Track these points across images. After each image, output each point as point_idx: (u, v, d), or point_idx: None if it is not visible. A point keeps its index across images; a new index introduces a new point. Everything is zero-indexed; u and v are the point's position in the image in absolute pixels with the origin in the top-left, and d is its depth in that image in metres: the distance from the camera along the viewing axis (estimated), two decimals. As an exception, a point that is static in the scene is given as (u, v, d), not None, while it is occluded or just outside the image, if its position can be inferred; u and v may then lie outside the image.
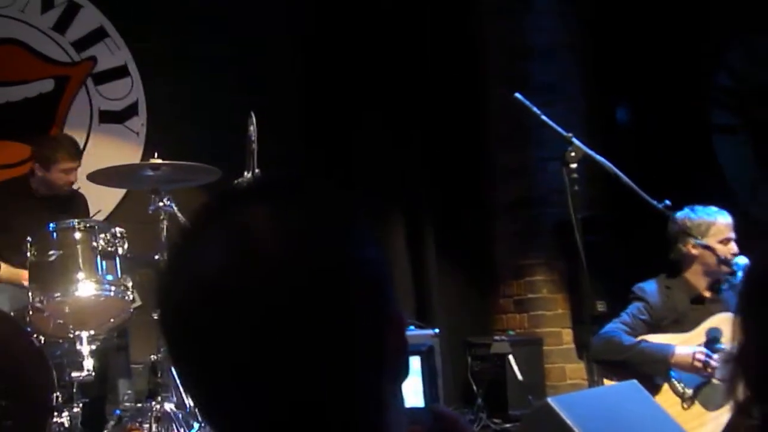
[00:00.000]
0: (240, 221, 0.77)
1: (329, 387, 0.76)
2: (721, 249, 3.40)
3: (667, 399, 3.27)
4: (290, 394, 0.75)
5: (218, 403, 0.78)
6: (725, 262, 3.39)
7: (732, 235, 3.44)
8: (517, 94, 3.24)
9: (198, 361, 0.78)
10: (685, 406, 3.29)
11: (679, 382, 3.32)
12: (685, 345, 3.31)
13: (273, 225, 0.77)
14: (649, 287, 3.52)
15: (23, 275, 3.65)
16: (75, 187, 4.38)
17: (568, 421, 2.16)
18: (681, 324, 3.43)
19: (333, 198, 0.81)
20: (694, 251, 3.45)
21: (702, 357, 3.26)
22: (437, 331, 4.77)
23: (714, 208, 3.49)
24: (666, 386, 3.32)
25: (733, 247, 3.43)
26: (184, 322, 0.78)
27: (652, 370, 3.28)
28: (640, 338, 3.35)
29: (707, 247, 3.39)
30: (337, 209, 0.81)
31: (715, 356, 3.27)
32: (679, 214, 3.48)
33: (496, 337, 5.19)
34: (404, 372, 0.82)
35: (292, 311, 0.74)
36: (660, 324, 3.45)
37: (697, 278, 3.48)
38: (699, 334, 3.36)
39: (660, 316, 3.46)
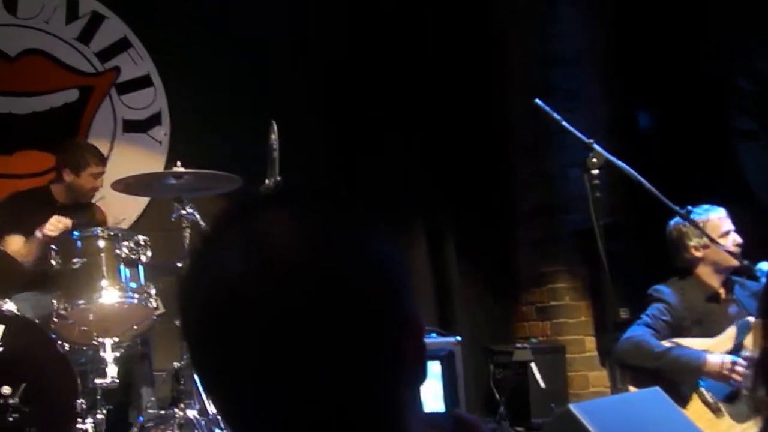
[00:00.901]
0: (259, 227, 0.78)
1: (348, 392, 0.76)
2: (723, 241, 3.41)
3: (696, 409, 3.22)
4: (309, 399, 0.75)
5: (238, 408, 0.79)
6: (732, 254, 3.40)
7: (729, 227, 3.45)
8: (538, 100, 3.24)
9: (219, 367, 0.79)
10: (714, 417, 3.24)
11: (707, 392, 3.27)
12: (715, 352, 3.28)
13: (291, 231, 0.77)
14: (665, 288, 3.53)
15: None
16: (98, 197, 4.43)
17: (590, 428, 2.14)
18: (703, 324, 3.42)
19: (351, 205, 0.82)
20: (697, 253, 3.48)
21: (731, 365, 3.22)
22: (459, 338, 4.76)
23: (704, 207, 3.50)
24: (695, 396, 3.28)
25: (735, 238, 3.43)
26: (205, 328, 0.79)
27: (683, 379, 3.25)
28: (670, 343, 3.32)
29: (708, 246, 3.42)
30: (355, 216, 0.82)
31: (744, 363, 3.23)
32: (672, 222, 3.51)
33: (518, 345, 5.16)
34: (422, 376, 0.82)
35: (311, 317, 0.75)
36: (682, 325, 3.43)
37: (709, 277, 3.49)
38: (728, 338, 3.32)
39: (681, 316, 3.44)
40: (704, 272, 3.49)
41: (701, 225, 3.42)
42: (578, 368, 5.27)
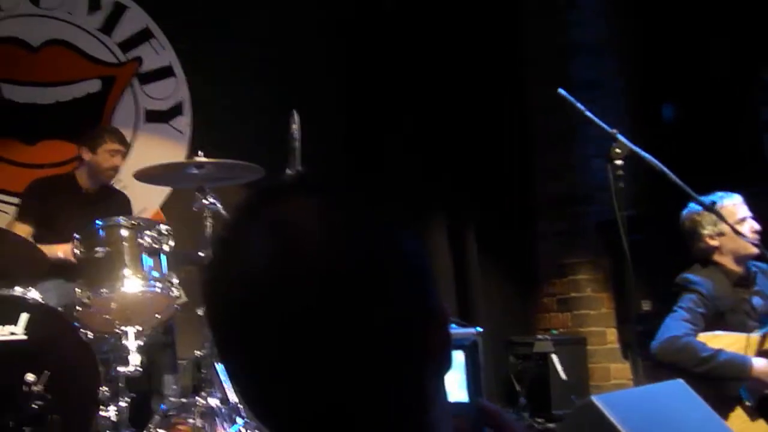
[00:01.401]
0: (284, 217, 0.78)
1: (374, 381, 0.76)
2: (740, 228, 3.32)
3: (738, 414, 3.16)
4: (334, 390, 0.75)
5: (263, 397, 0.79)
6: (750, 240, 3.32)
7: (745, 213, 3.38)
8: (561, 90, 3.21)
9: (243, 355, 0.78)
10: (750, 420, 3.17)
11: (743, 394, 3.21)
12: (762, 360, 3.16)
13: (316, 221, 0.77)
14: (695, 277, 3.42)
15: (62, 249, 3.77)
16: (120, 187, 4.46)
17: (613, 420, 2.13)
18: (736, 313, 3.32)
19: (374, 195, 0.82)
20: (712, 242, 3.41)
21: None
22: (480, 329, 4.75)
23: (719, 194, 3.42)
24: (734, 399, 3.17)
25: (753, 224, 3.36)
26: (229, 316, 0.79)
27: (727, 387, 3.14)
28: (717, 348, 3.19)
29: (724, 234, 3.35)
30: (380, 207, 0.81)
31: None
32: (685, 212, 3.44)
33: (539, 336, 5.16)
34: (447, 366, 0.82)
35: (336, 306, 0.74)
36: (716, 314, 3.32)
37: (730, 264, 3.41)
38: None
39: (714, 305, 3.33)
40: (723, 260, 3.41)
41: (717, 212, 3.34)
42: (599, 360, 5.25)
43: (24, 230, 4.10)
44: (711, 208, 3.24)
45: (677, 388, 2.46)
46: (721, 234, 3.37)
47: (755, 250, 3.34)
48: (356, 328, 0.75)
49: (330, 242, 0.76)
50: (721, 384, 3.10)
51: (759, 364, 3.12)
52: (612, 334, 5.28)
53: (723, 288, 3.37)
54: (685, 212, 3.46)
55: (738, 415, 3.13)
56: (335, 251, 0.76)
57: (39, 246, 3.81)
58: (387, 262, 0.77)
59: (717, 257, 3.42)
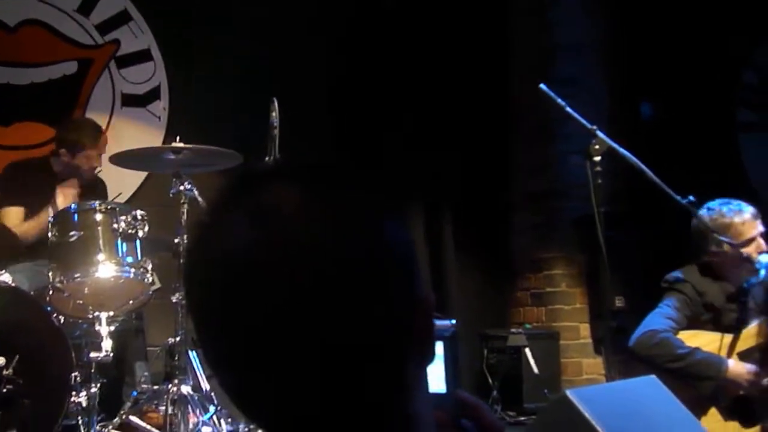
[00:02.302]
0: (267, 202, 0.76)
1: (357, 371, 0.75)
2: (745, 249, 3.25)
3: (712, 413, 3.16)
4: (316, 379, 0.74)
5: (242, 385, 0.77)
6: (747, 259, 3.24)
7: (754, 232, 3.28)
8: (542, 86, 3.21)
9: (223, 341, 0.77)
10: (723, 420, 3.16)
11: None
12: (737, 362, 3.15)
13: (303, 204, 0.76)
14: (688, 278, 3.35)
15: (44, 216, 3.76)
16: (97, 170, 4.41)
17: (587, 414, 2.13)
18: (718, 322, 3.28)
19: (362, 180, 0.81)
20: (717, 250, 3.31)
21: (751, 376, 3.10)
22: (455, 322, 4.76)
23: (734, 205, 3.34)
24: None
25: (760, 245, 3.26)
26: (209, 301, 0.77)
27: (699, 386, 3.12)
28: (693, 346, 3.17)
29: (731, 246, 3.25)
30: (366, 191, 0.80)
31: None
32: (700, 213, 3.33)
33: (513, 330, 5.18)
34: (431, 356, 0.81)
35: (322, 291, 0.73)
36: (699, 319, 3.29)
37: (729, 278, 3.32)
38: (748, 336, 3.19)
39: (699, 310, 3.30)
40: (724, 269, 3.33)
41: (724, 225, 3.28)
42: (572, 355, 5.28)
43: (17, 213, 4.03)
44: (688, 208, 3.23)
45: (650, 384, 2.47)
46: (723, 251, 3.27)
47: (749, 268, 3.23)
48: (341, 317, 0.73)
49: (315, 229, 0.74)
50: (695, 383, 3.11)
51: (734, 365, 3.14)
52: (585, 329, 5.32)
53: (715, 297, 3.32)
54: (700, 212, 3.33)
55: (712, 415, 3.15)
56: (321, 239, 0.74)
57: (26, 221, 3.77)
58: (374, 250, 0.76)
59: (718, 266, 3.34)
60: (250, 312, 0.74)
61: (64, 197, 3.92)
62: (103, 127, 4.77)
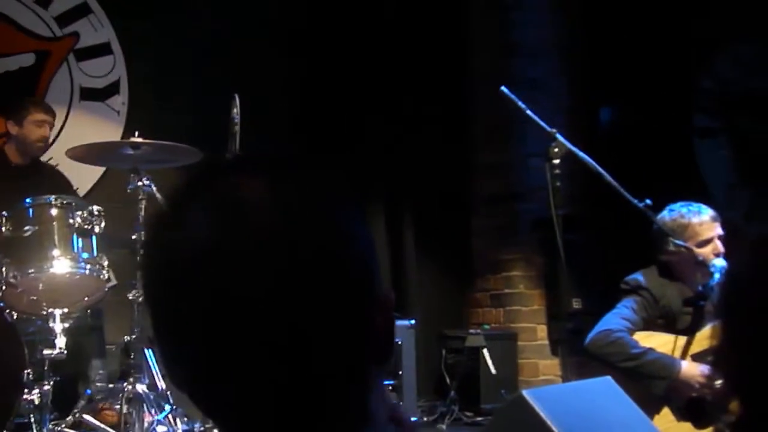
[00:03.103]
0: (231, 192, 0.76)
1: (315, 367, 0.74)
2: (699, 251, 3.27)
3: (664, 413, 3.19)
4: (274, 373, 0.74)
5: (199, 378, 0.77)
6: (702, 263, 3.25)
7: (711, 234, 3.29)
8: (503, 88, 3.23)
9: (179, 333, 0.76)
10: (676, 420, 3.18)
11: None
12: (690, 363, 3.16)
13: (266, 196, 0.75)
14: (647, 281, 3.35)
15: None
16: (53, 164, 4.34)
17: (542, 414, 2.15)
18: (673, 325, 3.29)
19: (323, 174, 0.80)
20: (671, 257, 3.32)
21: (703, 379, 3.11)
22: (413, 322, 4.77)
23: (694, 207, 3.36)
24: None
25: (716, 246, 3.27)
26: (168, 294, 0.76)
27: (652, 386, 3.12)
28: (647, 346, 3.18)
29: (686, 248, 3.26)
30: (328, 186, 0.80)
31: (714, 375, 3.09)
32: (660, 215, 3.35)
33: (472, 331, 5.20)
34: (389, 354, 0.81)
35: (281, 284, 0.73)
36: (655, 322, 3.29)
37: (686, 279, 3.33)
38: (702, 338, 3.20)
39: (656, 314, 3.30)
40: (682, 272, 3.33)
41: (682, 227, 3.29)
42: (529, 356, 5.32)
43: None
44: (645, 211, 3.26)
45: (606, 385, 2.50)
46: (685, 248, 3.26)
47: (704, 272, 3.23)
48: (297, 310, 0.73)
49: (279, 220, 0.74)
50: (648, 382, 3.14)
51: (686, 366, 3.17)
52: (542, 330, 5.37)
53: (672, 301, 3.33)
54: (660, 215, 3.34)
55: (664, 415, 3.18)
56: (284, 229, 0.74)
57: None
58: (337, 244, 0.76)
59: (676, 268, 3.35)
60: (207, 304, 0.73)
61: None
62: (61, 121, 4.70)
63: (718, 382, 3.09)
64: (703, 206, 3.39)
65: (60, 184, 4.20)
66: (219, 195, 0.76)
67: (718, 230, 3.33)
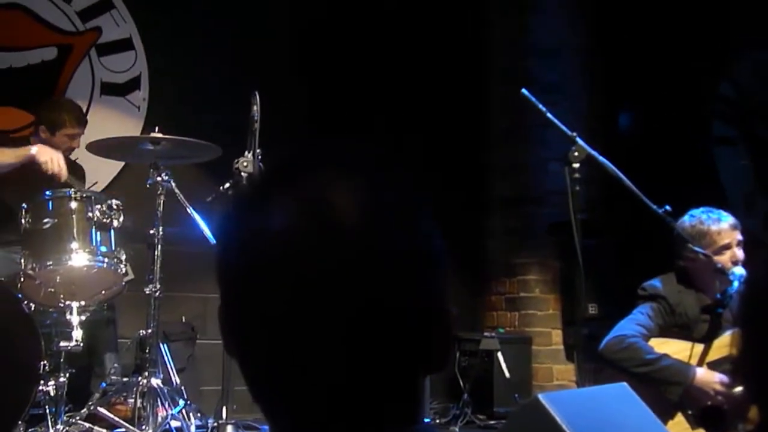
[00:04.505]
0: (318, 189, 0.76)
1: (376, 364, 0.75)
2: (717, 258, 3.24)
3: (678, 421, 3.18)
4: (340, 365, 0.74)
5: (263, 363, 0.77)
6: (720, 271, 3.22)
7: (729, 241, 3.27)
8: (524, 90, 3.22)
9: (249, 326, 0.77)
10: (691, 428, 3.15)
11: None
12: (706, 371, 3.15)
13: (352, 199, 0.76)
14: (664, 287, 3.32)
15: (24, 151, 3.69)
16: (73, 158, 4.36)
17: (558, 418, 2.14)
18: (690, 332, 3.26)
19: (406, 180, 0.81)
20: (689, 263, 3.30)
21: (719, 385, 3.10)
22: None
23: (714, 214, 3.33)
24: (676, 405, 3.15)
25: (736, 253, 3.25)
26: (248, 282, 0.76)
27: (667, 391, 3.11)
28: (661, 352, 3.16)
29: (705, 255, 3.23)
30: (411, 193, 0.81)
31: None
32: (680, 220, 3.33)
33: (486, 334, 5.19)
34: (443, 364, 0.81)
35: (357, 282, 0.73)
36: (671, 329, 3.27)
37: (704, 286, 3.30)
38: (720, 346, 3.18)
39: (672, 321, 3.28)
40: (700, 279, 3.31)
41: (701, 233, 3.27)
42: (544, 360, 5.30)
43: None
44: (663, 217, 3.24)
45: (621, 391, 2.49)
46: (704, 255, 3.24)
47: (723, 279, 3.21)
48: (371, 312, 0.74)
49: (362, 223, 0.75)
50: (662, 388, 3.12)
51: (701, 373, 3.15)
52: (557, 335, 5.35)
53: (687, 308, 3.30)
54: (681, 220, 3.32)
55: (678, 422, 3.16)
56: (366, 233, 0.74)
57: None
58: (414, 246, 0.77)
59: (695, 275, 3.33)
60: (281, 299, 0.74)
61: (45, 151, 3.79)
62: (81, 115, 4.72)
63: (736, 390, 3.07)
64: (724, 213, 3.37)
65: (79, 179, 4.22)
66: (304, 192, 0.76)
67: (738, 237, 3.30)
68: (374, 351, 0.74)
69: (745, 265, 3.24)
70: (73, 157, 4.37)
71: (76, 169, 4.29)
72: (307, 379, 0.75)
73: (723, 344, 3.19)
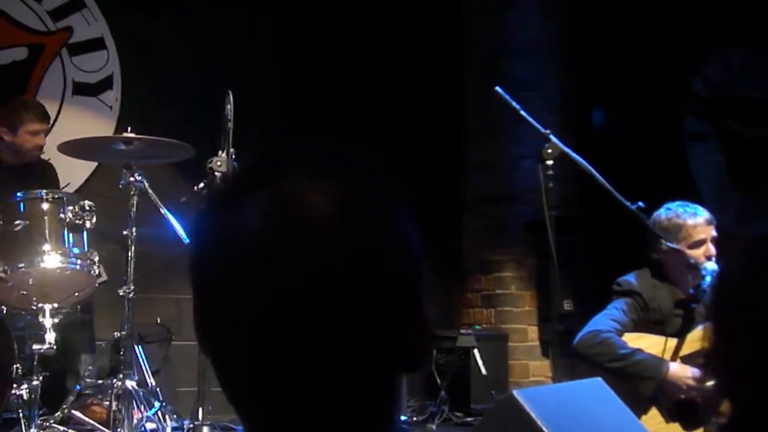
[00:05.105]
0: (290, 189, 0.76)
1: (352, 378, 0.75)
2: (691, 252, 3.26)
3: (652, 415, 3.19)
4: (309, 372, 0.74)
5: (241, 363, 0.76)
6: (693, 266, 3.24)
7: (704, 236, 3.28)
8: (498, 88, 3.23)
9: (232, 337, 0.76)
10: (665, 422, 3.18)
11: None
12: (679, 365, 3.17)
13: (327, 199, 0.75)
14: (638, 282, 3.35)
15: None
16: (45, 158, 4.32)
17: (533, 415, 2.16)
18: (664, 326, 3.29)
19: (384, 179, 0.80)
20: (662, 256, 3.32)
21: (691, 380, 3.12)
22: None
23: (691, 208, 3.35)
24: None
25: (709, 248, 3.27)
26: (223, 284, 0.76)
27: (640, 386, 3.13)
28: (635, 347, 3.18)
29: (677, 251, 3.25)
30: (389, 192, 0.80)
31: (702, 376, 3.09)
32: (657, 213, 3.35)
33: (462, 331, 5.20)
34: (419, 364, 0.80)
35: (333, 283, 0.73)
36: (645, 324, 3.29)
37: (677, 280, 3.32)
38: (693, 340, 3.20)
39: (646, 317, 3.29)
40: (673, 274, 3.33)
41: (675, 227, 3.29)
42: (520, 357, 5.33)
43: None
44: (636, 213, 3.26)
45: (595, 386, 2.51)
46: (676, 250, 3.25)
47: (695, 274, 3.22)
48: (346, 311, 0.74)
49: (337, 224, 0.74)
50: (635, 383, 3.15)
51: (674, 368, 3.18)
52: (533, 331, 5.38)
53: (661, 302, 3.32)
54: (654, 214, 3.34)
55: (653, 416, 3.19)
56: (342, 233, 0.74)
57: None
58: (393, 251, 0.77)
59: (668, 270, 3.34)
60: (255, 299, 0.74)
61: None
62: (53, 116, 4.68)
63: (708, 384, 3.10)
64: (700, 208, 3.39)
65: (50, 180, 4.18)
66: (276, 191, 0.76)
67: (712, 233, 3.33)
68: (349, 351, 0.74)
69: (717, 260, 3.27)
70: (45, 156, 4.33)
71: (46, 169, 4.25)
72: (281, 379, 0.75)
73: (696, 338, 3.22)
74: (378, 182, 0.80)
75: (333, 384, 0.75)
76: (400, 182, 0.81)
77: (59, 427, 3.33)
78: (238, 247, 0.75)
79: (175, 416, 3.52)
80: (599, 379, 2.57)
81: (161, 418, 3.40)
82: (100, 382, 3.62)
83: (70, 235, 3.43)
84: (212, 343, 0.78)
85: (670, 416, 3.21)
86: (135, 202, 3.49)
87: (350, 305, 0.73)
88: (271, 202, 0.75)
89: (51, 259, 3.35)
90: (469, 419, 4.85)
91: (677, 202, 3.41)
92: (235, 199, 0.77)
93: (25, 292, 3.33)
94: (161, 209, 3.53)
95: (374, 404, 0.77)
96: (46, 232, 3.38)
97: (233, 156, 3.43)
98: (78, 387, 3.64)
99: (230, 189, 0.79)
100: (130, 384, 3.34)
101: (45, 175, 4.18)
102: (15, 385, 3.21)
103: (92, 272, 3.44)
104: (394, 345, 0.76)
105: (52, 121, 4.49)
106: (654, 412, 3.21)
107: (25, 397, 3.23)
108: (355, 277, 0.74)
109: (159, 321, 4.76)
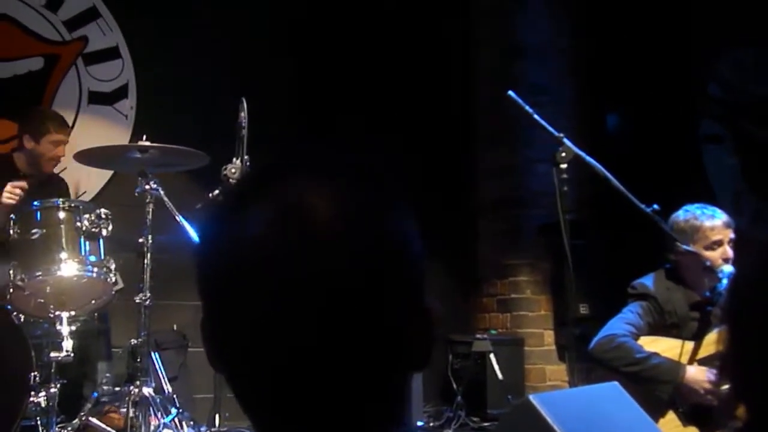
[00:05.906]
0: (295, 195, 0.76)
1: (361, 376, 0.76)
2: (707, 254, 3.25)
3: (670, 419, 3.16)
4: (320, 380, 0.75)
5: (246, 367, 0.77)
6: (709, 269, 3.22)
7: (721, 237, 3.26)
8: (511, 92, 3.23)
9: (241, 344, 0.77)
10: (682, 425, 3.15)
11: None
12: (696, 368, 3.16)
13: (330, 204, 0.76)
14: (653, 285, 3.33)
15: None
16: (60, 168, 4.35)
17: (549, 419, 2.15)
18: (679, 329, 3.27)
19: (385, 183, 0.81)
20: (679, 257, 3.30)
21: (708, 384, 3.09)
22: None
23: (709, 210, 3.33)
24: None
25: (726, 251, 3.24)
26: (228, 290, 0.77)
27: (657, 390, 3.12)
28: (651, 351, 3.17)
29: (693, 253, 3.24)
30: (389, 195, 0.81)
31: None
32: (674, 215, 3.34)
33: (478, 336, 5.19)
34: (425, 362, 0.81)
35: (338, 287, 0.74)
36: (661, 327, 3.27)
37: (693, 283, 3.31)
38: (709, 343, 3.17)
39: (662, 320, 3.28)
40: (689, 276, 3.32)
41: (692, 229, 3.28)
42: (536, 361, 5.31)
43: None
44: (651, 216, 3.25)
45: (612, 390, 2.50)
46: (692, 252, 3.24)
47: (711, 277, 3.21)
48: (350, 314, 0.74)
49: (340, 229, 0.75)
50: (652, 387, 3.13)
51: (691, 371, 3.16)
52: (549, 336, 5.36)
53: (678, 304, 3.31)
54: (673, 216, 3.33)
55: (670, 420, 3.17)
56: (345, 239, 0.75)
57: None
58: (394, 254, 0.77)
59: (684, 272, 3.33)
60: (259, 304, 0.74)
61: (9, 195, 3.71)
62: (70, 125, 4.71)
63: (725, 387, 3.07)
64: (718, 210, 3.37)
65: (64, 194, 4.21)
66: (281, 197, 0.77)
67: (730, 235, 3.30)
68: (354, 352, 0.75)
69: (733, 262, 3.25)
70: (61, 166, 4.37)
71: (60, 183, 4.28)
72: (288, 382, 0.75)
73: (712, 341, 3.20)
74: (378, 186, 0.80)
75: (338, 385, 0.75)
76: (399, 182, 0.81)
77: (77, 434, 3.35)
78: (242, 253, 0.76)
79: (191, 423, 3.53)
80: (616, 383, 2.56)
81: (178, 424, 3.41)
82: (117, 389, 3.63)
83: (87, 243, 3.45)
84: (220, 352, 0.79)
85: (687, 420, 3.19)
86: (151, 210, 3.51)
87: (353, 307, 0.74)
88: (274, 208, 0.76)
89: (68, 267, 3.37)
90: (486, 424, 4.84)
91: (696, 205, 3.40)
92: (238, 206, 0.78)
93: (42, 300, 3.36)
94: (177, 217, 3.55)
95: (379, 404, 0.78)
96: (63, 240, 3.41)
97: (247, 163, 3.45)
98: (95, 394, 3.66)
99: (233, 197, 0.80)
100: (147, 391, 3.36)
101: (57, 188, 4.22)
102: (33, 393, 3.23)
103: (109, 280, 3.46)
104: (397, 345, 0.77)
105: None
106: (671, 416, 3.19)
107: (42, 405, 3.25)
108: (358, 280, 0.74)
109: (175, 328, 4.78)
